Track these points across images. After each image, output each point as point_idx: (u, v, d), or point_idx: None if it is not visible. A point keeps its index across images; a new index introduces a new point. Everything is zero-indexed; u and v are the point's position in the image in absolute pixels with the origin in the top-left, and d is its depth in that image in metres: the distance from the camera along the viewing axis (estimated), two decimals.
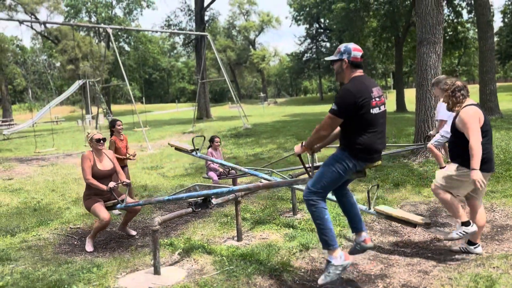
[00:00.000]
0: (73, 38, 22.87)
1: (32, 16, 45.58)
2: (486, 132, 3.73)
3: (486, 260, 3.67)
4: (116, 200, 4.89)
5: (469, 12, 22.24)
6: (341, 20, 24.34)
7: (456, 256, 3.91)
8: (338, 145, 3.36)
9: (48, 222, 5.96)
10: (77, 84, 28.43)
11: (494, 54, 14.21)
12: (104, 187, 4.76)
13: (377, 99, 3.13)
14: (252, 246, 4.44)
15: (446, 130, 5.04)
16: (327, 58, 3.37)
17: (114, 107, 57.12)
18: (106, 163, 4.99)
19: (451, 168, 3.84)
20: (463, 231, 3.78)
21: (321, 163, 3.57)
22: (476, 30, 22.35)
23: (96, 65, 40.36)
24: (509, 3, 53.48)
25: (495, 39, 24.02)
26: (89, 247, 4.83)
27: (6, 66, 51.12)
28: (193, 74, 76.32)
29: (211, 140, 7.20)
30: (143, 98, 46.02)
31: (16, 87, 65.46)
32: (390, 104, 26.84)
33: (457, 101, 3.84)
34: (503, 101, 20.91)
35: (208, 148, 7.20)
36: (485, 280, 3.26)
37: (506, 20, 55.92)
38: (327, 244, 3.19)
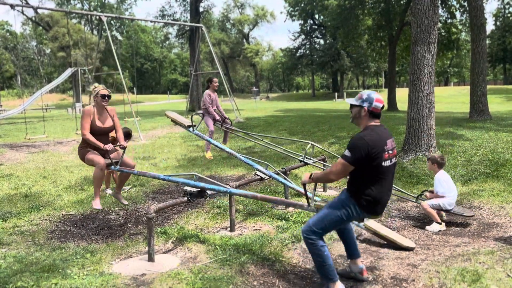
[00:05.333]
0: (67, 25, 22.54)
1: (24, 1, 44.81)
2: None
3: (473, 255, 3.78)
4: (110, 161, 4.88)
5: (462, 13, 22.48)
6: (336, 17, 24.43)
7: (444, 252, 4.02)
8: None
9: (40, 208, 5.95)
10: (69, 71, 28.12)
11: (486, 56, 14.40)
12: (100, 144, 4.75)
13: (390, 151, 3.14)
14: (245, 236, 4.50)
15: (446, 203, 4.96)
16: (347, 101, 3.33)
17: None
18: (106, 120, 4.95)
19: None
20: None
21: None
22: (468, 32, 22.61)
23: (87, 53, 39.90)
24: (501, 6, 54.11)
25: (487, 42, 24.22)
26: (97, 204, 4.83)
27: None
28: (186, 66, 75.89)
29: (209, 80, 7.21)
30: (134, 88, 45.51)
31: (5, 73, 64.46)
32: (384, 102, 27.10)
33: None
34: (492, 103, 21.21)
35: (206, 89, 7.17)
36: (471, 274, 3.37)
37: (498, 23, 56.67)
38: (327, 278, 3.20)
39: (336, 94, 46.91)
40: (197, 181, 4.28)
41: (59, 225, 5.28)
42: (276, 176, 5.15)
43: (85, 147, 4.88)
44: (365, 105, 3.17)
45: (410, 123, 8.28)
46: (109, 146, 4.77)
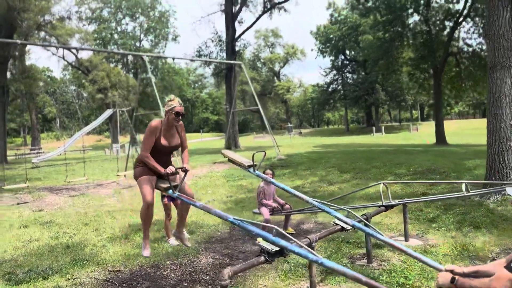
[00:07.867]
0: (108, 69, 22.94)
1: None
2: None
3: None
4: (169, 185, 4.07)
5: None
6: (376, 50, 23.82)
7: None
8: None
9: (84, 262, 5.28)
10: (108, 112, 28.55)
11: None
12: (161, 169, 3.96)
13: None
14: None
15: None
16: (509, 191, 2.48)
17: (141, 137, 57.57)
18: (174, 138, 4.21)
19: None
20: None
21: None
22: None
23: (125, 95, 40.87)
24: None
25: None
26: (146, 251, 4.14)
27: (37, 95, 52.48)
28: (217, 104, 76.96)
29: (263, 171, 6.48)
30: None
31: (47, 115, 67.18)
32: (431, 136, 25.59)
33: None
34: None
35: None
36: None
37: None
38: None
39: (373, 128, 45.68)
40: (276, 236, 3.46)
41: (105, 284, 4.55)
42: (359, 225, 4.27)
43: (142, 165, 4.14)
44: None
45: (492, 158, 7.26)
46: (169, 169, 3.97)
